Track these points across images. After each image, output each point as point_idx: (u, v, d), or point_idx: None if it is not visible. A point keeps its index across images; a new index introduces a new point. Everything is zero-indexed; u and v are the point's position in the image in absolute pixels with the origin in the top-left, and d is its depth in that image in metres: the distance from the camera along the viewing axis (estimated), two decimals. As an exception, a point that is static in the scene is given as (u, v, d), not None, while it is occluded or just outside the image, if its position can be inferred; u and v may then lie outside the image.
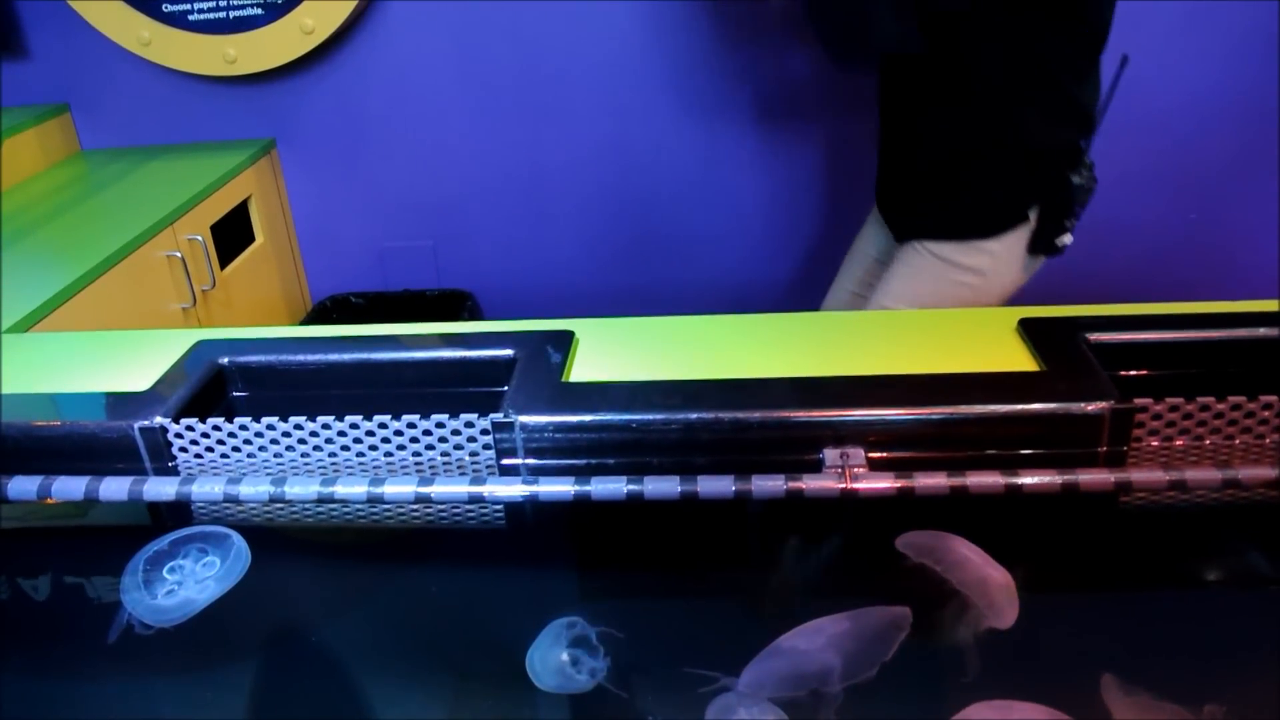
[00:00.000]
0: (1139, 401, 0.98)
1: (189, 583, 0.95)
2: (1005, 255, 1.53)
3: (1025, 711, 0.77)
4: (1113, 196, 2.20)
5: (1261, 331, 1.09)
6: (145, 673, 0.90)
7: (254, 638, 0.94)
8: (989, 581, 0.89)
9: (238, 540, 0.99)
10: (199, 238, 2.07)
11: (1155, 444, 1.00)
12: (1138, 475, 0.93)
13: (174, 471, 1.06)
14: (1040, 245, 1.52)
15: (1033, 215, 1.50)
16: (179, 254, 1.98)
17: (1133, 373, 1.11)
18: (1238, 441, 1.00)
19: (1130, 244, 2.46)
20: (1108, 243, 2.43)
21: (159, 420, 1.04)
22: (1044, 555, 0.99)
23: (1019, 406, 0.99)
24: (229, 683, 0.89)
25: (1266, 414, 0.98)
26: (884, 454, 1.00)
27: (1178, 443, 1.00)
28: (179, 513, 1.04)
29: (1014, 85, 1.42)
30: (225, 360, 1.16)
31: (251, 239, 2.40)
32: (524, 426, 1.02)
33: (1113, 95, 1.47)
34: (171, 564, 0.97)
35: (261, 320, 2.43)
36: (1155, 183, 2.39)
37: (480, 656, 0.90)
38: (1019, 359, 1.09)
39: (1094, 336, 1.09)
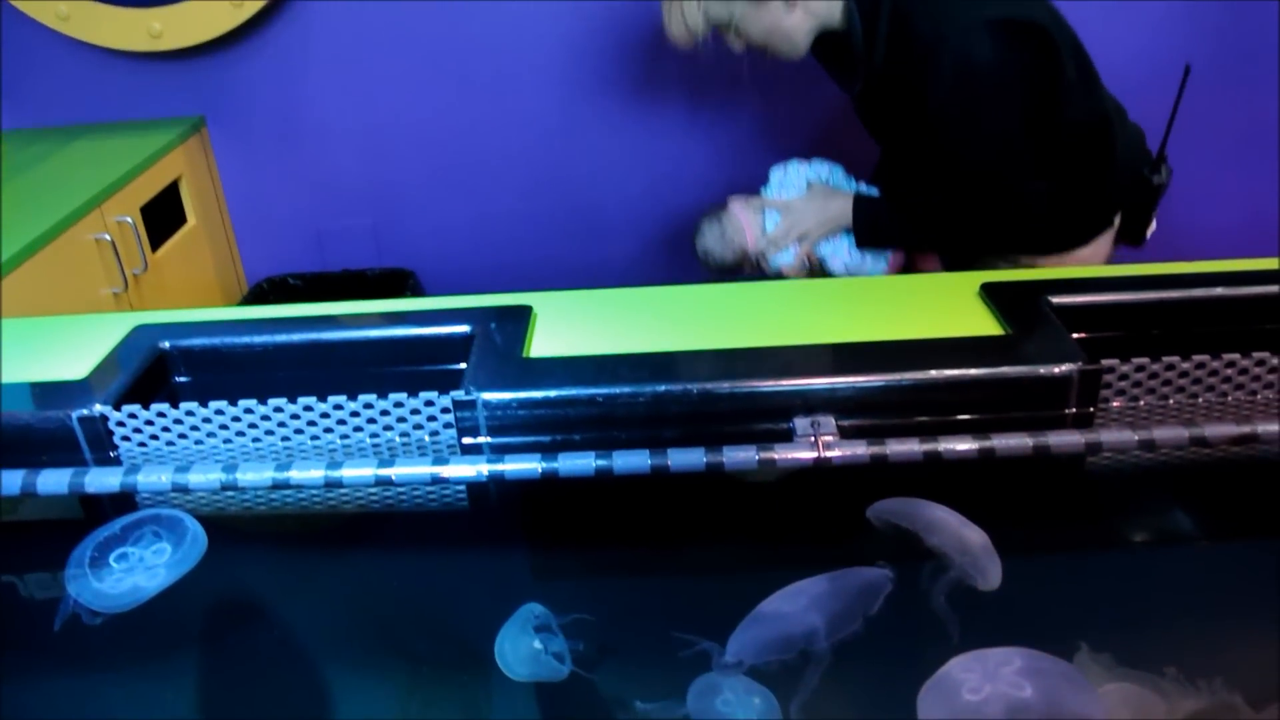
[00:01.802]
0: (1106, 363, 0.97)
1: (138, 569, 0.90)
2: (1093, 254, 1.56)
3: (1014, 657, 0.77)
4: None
5: (1219, 291, 1.10)
6: (88, 662, 0.86)
7: (206, 627, 0.90)
8: (967, 541, 0.88)
9: (192, 525, 0.94)
10: (128, 220, 1.99)
11: (1121, 404, 1.00)
12: (1107, 436, 0.93)
13: (116, 462, 1.01)
14: (1128, 238, 1.56)
15: (1117, 219, 1.53)
16: (108, 237, 1.90)
17: (1094, 334, 1.12)
18: (1201, 400, 1.00)
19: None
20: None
21: (98, 408, 0.99)
22: (1013, 516, 0.98)
23: (988, 370, 0.98)
24: (177, 673, 0.86)
25: (1230, 371, 0.99)
26: (854, 422, 0.99)
27: (1142, 402, 1.01)
28: (124, 505, 0.99)
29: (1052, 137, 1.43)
30: (166, 344, 1.11)
31: (183, 220, 2.32)
32: (486, 404, 0.99)
33: (1179, 103, 1.50)
34: (121, 550, 0.92)
35: (196, 304, 2.35)
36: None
37: (446, 644, 0.87)
38: (983, 323, 1.08)
39: (1056, 299, 1.09)
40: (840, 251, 1.65)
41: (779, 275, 1.70)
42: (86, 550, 0.92)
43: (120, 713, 0.82)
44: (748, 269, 1.77)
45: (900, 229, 1.56)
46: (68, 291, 1.79)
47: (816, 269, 1.69)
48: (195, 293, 2.33)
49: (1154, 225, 1.55)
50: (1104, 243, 1.55)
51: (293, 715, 0.80)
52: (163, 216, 2.20)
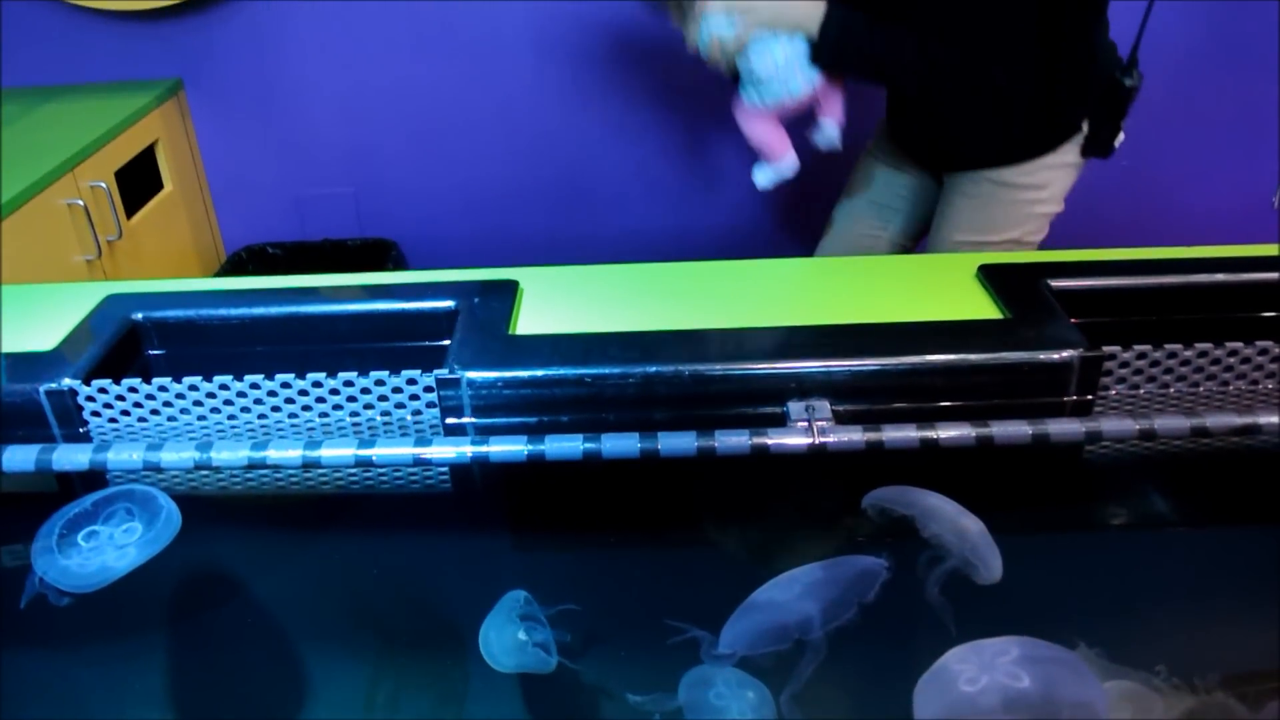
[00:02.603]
0: (1107, 349, 0.95)
1: (108, 548, 0.87)
2: (1062, 164, 1.53)
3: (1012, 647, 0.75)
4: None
5: (1220, 277, 1.08)
6: (52, 643, 0.83)
7: (175, 610, 0.87)
8: (965, 530, 0.86)
9: (166, 504, 0.90)
10: (102, 185, 1.93)
11: (1121, 392, 0.98)
12: (1108, 425, 0.91)
13: (86, 438, 0.97)
14: (1095, 148, 1.52)
15: (1085, 124, 1.50)
16: (81, 202, 1.85)
17: (1092, 319, 1.09)
18: (1202, 389, 0.98)
19: (1095, 185, 2.46)
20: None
21: (67, 382, 0.95)
22: (1009, 504, 0.96)
23: (987, 356, 0.96)
24: (143, 657, 0.83)
25: (1232, 360, 0.96)
26: (848, 407, 0.96)
27: (1142, 390, 0.98)
28: (97, 481, 0.96)
29: (1052, 14, 1.39)
30: (139, 315, 1.07)
31: (160, 186, 2.27)
32: (471, 383, 0.96)
33: (1151, 5, 1.47)
34: (90, 528, 0.89)
35: (173, 273, 2.30)
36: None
37: (426, 632, 0.85)
38: (981, 306, 1.06)
39: (1056, 283, 1.07)
40: (774, 51, 1.42)
41: (694, 44, 1.50)
42: (55, 526, 0.89)
43: (81, 694, 0.79)
44: (673, 19, 1.54)
45: (873, 47, 1.43)
46: (38, 258, 1.74)
47: (729, 61, 1.48)
48: (171, 261, 2.28)
49: (1122, 136, 1.52)
50: (1071, 154, 1.52)
51: (264, 703, 0.78)
52: (138, 182, 2.15)
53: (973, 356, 0.96)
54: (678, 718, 0.74)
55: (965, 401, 0.98)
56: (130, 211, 2.10)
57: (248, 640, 0.84)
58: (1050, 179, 1.54)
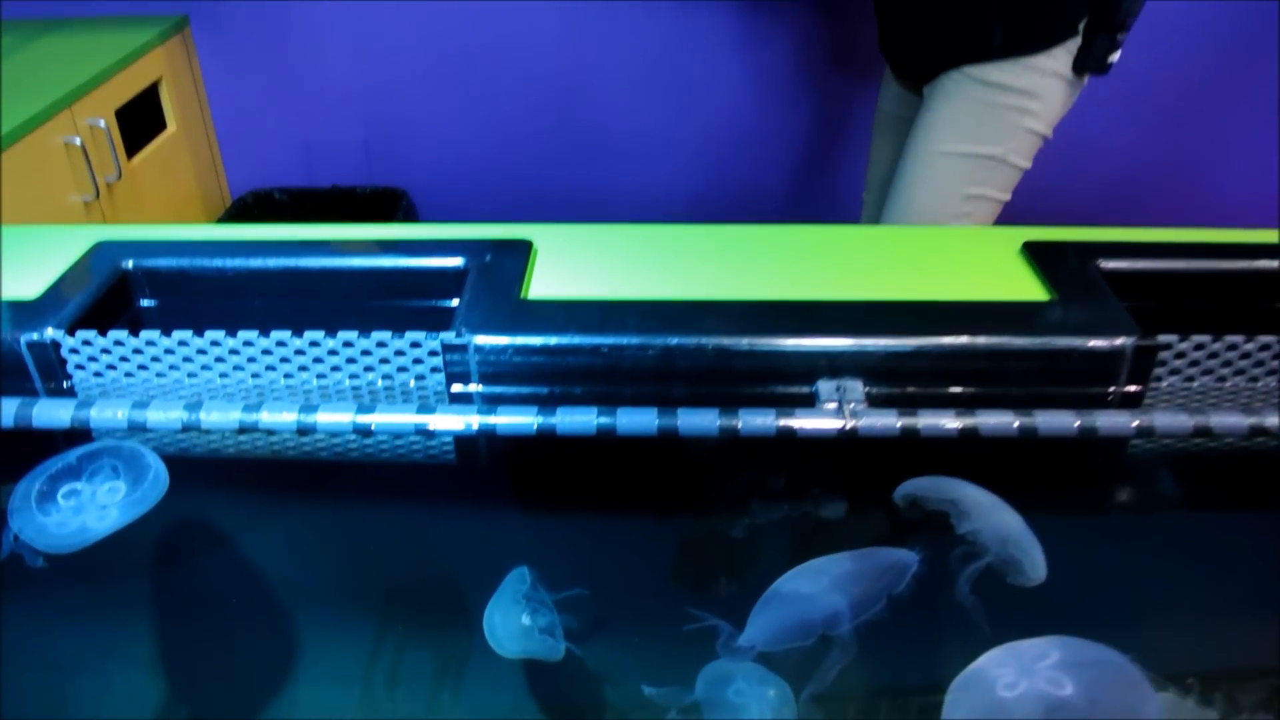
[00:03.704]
0: (1162, 338, 0.89)
1: (89, 508, 0.82)
2: (1054, 73, 1.44)
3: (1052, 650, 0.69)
4: (1086, 111, 2.11)
5: (1281, 263, 1.01)
6: (21, 604, 0.79)
7: (156, 576, 0.83)
8: (1006, 527, 0.80)
9: (155, 463, 0.85)
10: (101, 123, 1.86)
11: (1174, 384, 0.92)
12: (1161, 420, 0.85)
13: (70, 393, 0.91)
14: (1090, 62, 1.43)
15: (1081, 28, 1.41)
16: (78, 140, 1.78)
17: (1140, 304, 1.03)
18: (1260, 385, 0.92)
19: (1099, 165, 2.38)
20: (1073, 162, 2.35)
21: (50, 333, 0.89)
22: (1046, 498, 0.90)
23: (1034, 340, 0.89)
24: (127, 623, 0.79)
25: (1296, 354, 0.90)
26: (881, 389, 0.90)
27: (1196, 383, 0.92)
28: (78, 438, 0.90)
29: None
30: (129, 264, 1.01)
31: (163, 126, 2.19)
32: (479, 349, 0.90)
33: None
34: (71, 485, 0.83)
35: (175, 217, 2.23)
36: (1134, 101, 2.30)
37: (427, 610, 0.80)
38: (1026, 286, 0.99)
39: (1107, 264, 1.00)
40: None
41: None
42: (35, 482, 0.83)
43: (62, 657, 0.76)
44: None
45: None
46: (33, 198, 1.68)
47: None
48: (174, 205, 2.21)
49: (1118, 54, 1.44)
50: (1062, 62, 1.44)
51: (253, 677, 0.74)
52: (140, 121, 2.08)
53: (1018, 340, 0.90)
54: (695, 713, 0.69)
55: (1005, 388, 0.92)
56: (131, 152, 2.03)
57: (236, 611, 0.80)
58: (1038, 87, 1.45)
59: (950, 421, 0.84)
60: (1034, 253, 1.03)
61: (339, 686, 0.74)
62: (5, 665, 0.75)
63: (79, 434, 0.88)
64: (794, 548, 0.85)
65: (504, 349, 0.90)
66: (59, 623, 0.80)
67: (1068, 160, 2.31)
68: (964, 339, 0.90)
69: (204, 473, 0.92)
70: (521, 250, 1.04)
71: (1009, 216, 1.56)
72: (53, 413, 0.84)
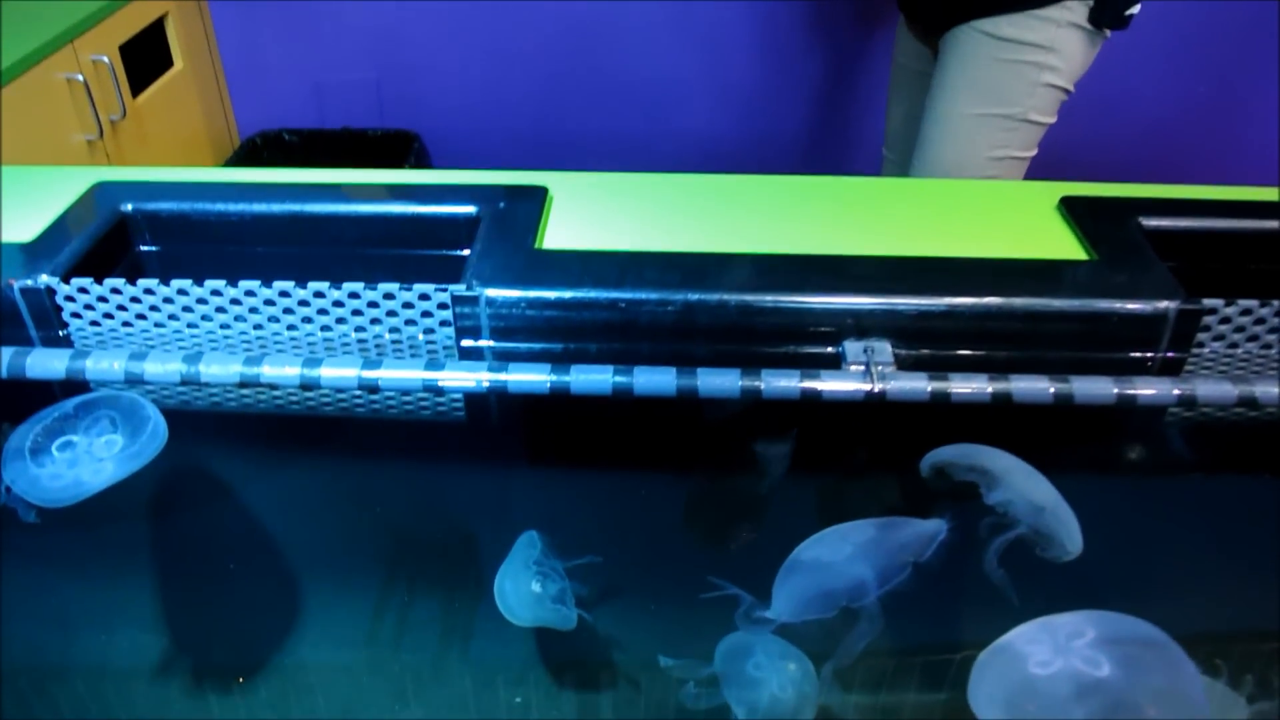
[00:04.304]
0: (1208, 303, 0.84)
1: (84, 461, 0.79)
2: (1070, 24, 1.38)
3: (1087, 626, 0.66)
4: (1123, 61, 2.04)
5: (1334, 223, 0.96)
6: (30, 555, 0.78)
7: (159, 531, 0.81)
8: (1040, 499, 0.76)
9: (154, 415, 0.82)
10: (105, 59, 1.81)
11: (1217, 350, 0.87)
12: (1204, 388, 0.80)
13: (66, 341, 0.88)
14: (1107, 16, 1.36)
15: None
16: (80, 77, 1.73)
17: (1180, 265, 0.98)
18: (1307, 350, 0.88)
19: (1138, 118, 2.31)
20: (1110, 115, 2.27)
21: (44, 279, 0.85)
22: (1078, 468, 0.87)
23: (1073, 302, 0.85)
24: (126, 577, 0.77)
25: (1348, 321, 0.86)
26: (909, 351, 0.86)
27: (1240, 350, 0.88)
28: (74, 388, 0.87)
29: None
30: (129, 207, 0.97)
31: (169, 64, 2.14)
32: (490, 302, 0.86)
33: None
34: (67, 437, 0.80)
35: (182, 158, 2.18)
36: (1174, 50, 2.22)
37: (433, 570, 0.77)
38: (1064, 244, 0.94)
39: (1149, 221, 0.95)
40: None
41: None
42: (30, 432, 0.80)
43: (64, 610, 0.74)
44: None
45: None
46: (33, 136, 1.63)
47: None
48: (181, 145, 2.17)
49: (1138, 7, 1.38)
50: (1078, 13, 1.37)
51: (257, 636, 0.72)
52: (145, 58, 2.02)
53: (1056, 302, 0.85)
54: (713, 686, 0.66)
55: (1038, 352, 0.88)
56: (136, 90, 1.98)
57: (235, 570, 0.77)
58: (1055, 40, 1.38)
59: (983, 386, 0.80)
60: (1072, 209, 0.98)
61: (343, 647, 0.72)
62: (5, 619, 0.73)
63: (76, 383, 0.85)
64: (815, 514, 0.82)
65: (516, 302, 0.86)
66: (56, 576, 0.78)
67: (1104, 113, 2.24)
68: (999, 299, 0.85)
69: (204, 426, 0.89)
70: (536, 198, 1.00)
71: (1042, 170, 1.51)
72: (47, 363, 0.81)
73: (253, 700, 0.68)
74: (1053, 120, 1.46)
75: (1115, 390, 0.80)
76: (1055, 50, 1.39)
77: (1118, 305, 0.85)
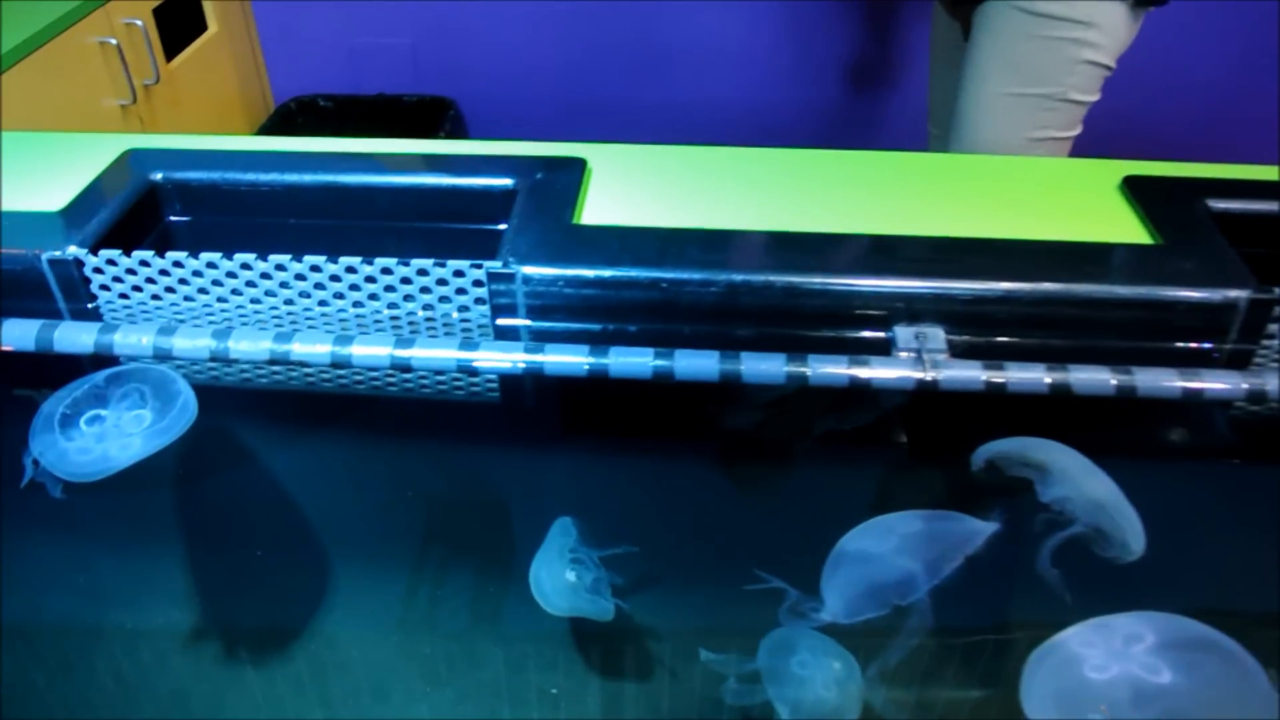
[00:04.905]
0: (1281, 291, 0.80)
1: (112, 436, 0.78)
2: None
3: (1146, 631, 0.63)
4: (1184, 33, 1.97)
5: None
6: (63, 528, 0.77)
7: (189, 505, 0.80)
8: (1099, 496, 0.73)
9: (184, 390, 0.80)
10: (138, 22, 1.79)
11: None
12: (1275, 383, 0.76)
13: (95, 314, 0.86)
14: None
15: None
16: (114, 40, 1.71)
17: (1249, 251, 0.93)
18: (1382, 345, 0.83)
19: (1198, 93, 2.23)
20: (1169, 90, 2.20)
21: (72, 251, 0.84)
22: (1136, 464, 0.83)
23: (1137, 289, 0.81)
24: (157, 551, 0.77)
25: None
26: (962, 337, 0.83)
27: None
28: (102, 361, 0.86)
29: None
30: (159, 176, 0.95)
31: (203, 27, 2.12)
32: (527, 279, 0.83)
33: None
34: (95, 411, 0.79)
35: (215, 123, 2.17)
36: (1236, 20, 2.14)
37: (468, 562, 0.75)
38: (1127, 227, 0.90)
39: (1217, 204, 0.90)
40: None
41: None
42: (61, 402, 0.79)
43: (96, 584, 0.74)
44: None
45: None
46: (66, 101, 1.62)
47: None
48: (215, 110, 2.15)
49: None
50: None
51: (279, 615, 0.71)
52: (179, 21, 2.01)
53: (1119, 289, 0.81)
54: (755, 682, 0.64)
55: (1096, 340, 0.84)
56: (170, 54, 1.96)
57: (265, 550, 0.76)
58: (1093, 14, 1.31)
59: (1041, 377, 0.76)
60: (1135, 189, 0.93)
61: (375, 621, 0.71)
62: (40, 591, 0.73)
63: (105, 356, 0.84)
64: (860, 503, 0.79)
65: (554, 280, 0.84)
66: (86, 549, 0.77)
67: (1162, 88, 2.17)
68: (1059, 285, 0.81)
69: (233, 402, 0.87)
70: (575, 170, 0.97)
71: (1097, 148, 1.45)
72: (75, 337, 0.80)
73: (283, 677, 0.68)
74: (1095, 98, 1.40)
75: (1181, 384, 0.76)
76: (1095, 25, 1.32)
77: (1185, 293, 0.81)
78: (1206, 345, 0.83)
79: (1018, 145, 1.42)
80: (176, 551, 0.77)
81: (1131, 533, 0.71)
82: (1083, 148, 1.47)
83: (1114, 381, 0.76)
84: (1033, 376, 0.76)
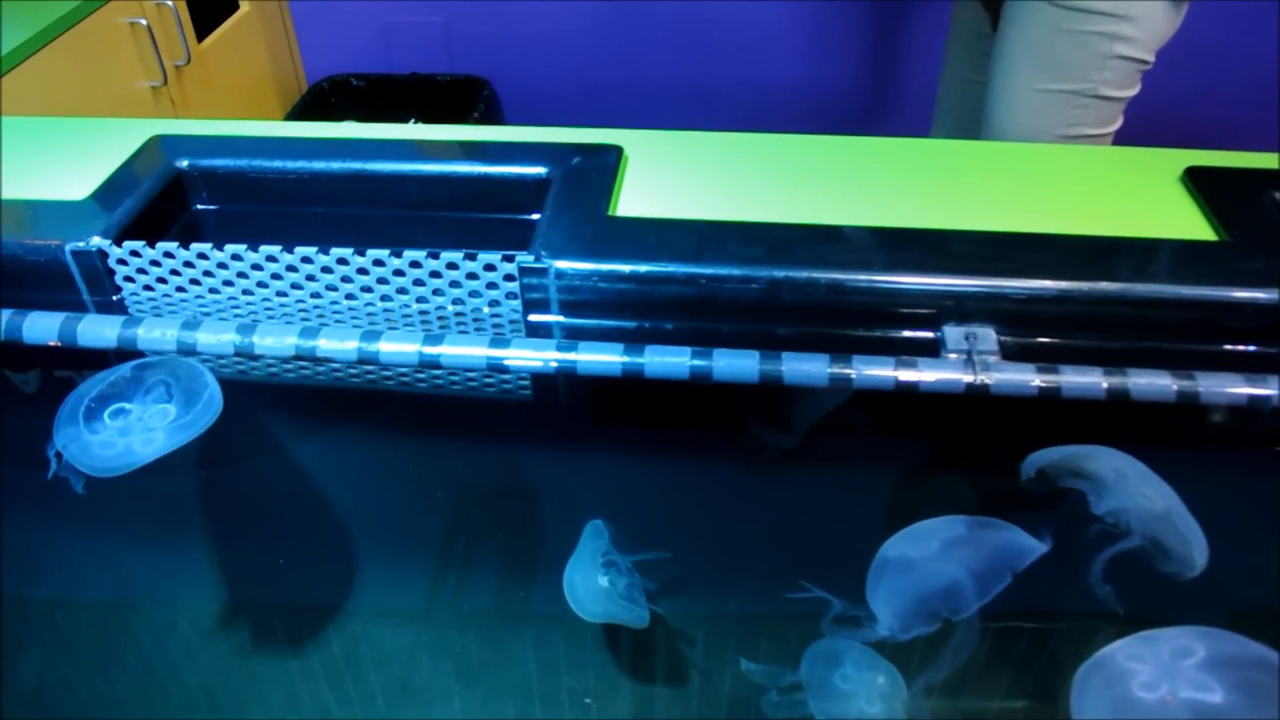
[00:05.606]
0: (1357, 291, 0.76)
1: (135, 430, 0.76)
2: None
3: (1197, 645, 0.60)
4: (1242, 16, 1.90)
5: None
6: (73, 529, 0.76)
7: (214, 498, 0.79)
8: (1157, 507, 0.70)
9: (211, 384, 0.78)
10: (169, 3, 1.77)
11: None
12: (1349, 389, 0.72)
13: (120, 306, 0.85)
14: None
15: None
16: (144, 21, 1.70)
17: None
18: None
19: (1233, 75, 2.16)
20: (1208, 72, 2.12)
21: (96, 242, 0.82)
22: (1193, 474, 0.79)
23: (1202, 289, 0.77)
24: (185, 543, 0.76)
25: None
26: (1013, 338, 0.79)
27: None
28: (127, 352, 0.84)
29: None
30: (185, 163, 0.93)
31: (235, 7, 2.10)
32: (560, 274, 0.81)
33: None
34: (119, 405, 0.77)
35: (247, 104, 2.15)
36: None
37: (497, 563, 0.73)
38: (1189, 222, 0.86)
39: (1287, 197, 0.86)
40: None
41: None
42: (86, 394, 0.78)
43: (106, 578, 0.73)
44: None
45: None
46: (95, 83, 1.60)
47: None
48: (247, 91, 2.13)
49: None
50: None
51: (305, 611, 0.71)
52: (210, 1, 1.98)
53: (1183, 289, 0.77)
54: (797, 694, 0.63)
55: (1157, 342, 0.80)
56: (201, 35, 1.94)
57: (278, 547, 0.75)
58: (1129, 7, 1.24)
59: (1098, 381, 0.73)
60: (1198, 181, 0.89)
61: (401, 617, 0.71)
62: (70, 587, 0.73)
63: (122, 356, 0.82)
64: (904, 510, 0.76)
65: (588, 275, 0.81)
66: (112, 543, 0.77)
67: (1222, 76, 2.09)
68: (1118, 284, 0.77)
69: (260, 397, 0.86)
70: (610, 158, 0.93)
71: (1145, 138, 1.39)
72: (98, 330, 0.78)
73: (312, 672, 0.67)
74: (1133, 92, 1.33)
75: (1248, 390, 0.72)
76: (1129, 19, 1.25)
77: (1252, 294, 0.76)
78: (1271, 350, 0.79)
79: (1049, 141, 1.36)
80: (204, 546, 0.77)
81: (1196, 546, 0.67)
82: (1135, 137, 1.41)
83: (1175, 387, 0.73)
84: (1090, 380, 0.73)
